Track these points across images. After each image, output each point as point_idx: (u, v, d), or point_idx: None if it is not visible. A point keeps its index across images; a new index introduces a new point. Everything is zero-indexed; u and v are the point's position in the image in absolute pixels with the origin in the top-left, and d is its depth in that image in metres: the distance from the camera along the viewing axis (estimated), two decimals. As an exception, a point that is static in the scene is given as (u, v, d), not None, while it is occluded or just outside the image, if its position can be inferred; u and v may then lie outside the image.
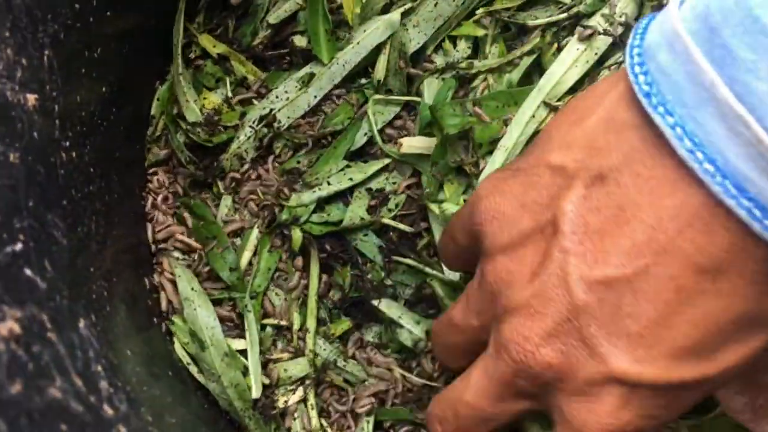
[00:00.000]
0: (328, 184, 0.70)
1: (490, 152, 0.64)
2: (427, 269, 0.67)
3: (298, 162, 0.71)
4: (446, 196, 0.66)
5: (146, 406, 0.50)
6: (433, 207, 0.65)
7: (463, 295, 0.52)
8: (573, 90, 0.64)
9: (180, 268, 0.69)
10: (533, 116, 0.63)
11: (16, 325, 0.34)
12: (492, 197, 0.46)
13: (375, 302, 0.68)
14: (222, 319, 0.69)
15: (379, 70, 0.70)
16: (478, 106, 0.64)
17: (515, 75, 0.66)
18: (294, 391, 0.69)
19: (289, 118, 0.71)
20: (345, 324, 0.70)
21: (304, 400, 0.69)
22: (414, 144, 0.67)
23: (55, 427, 0.33)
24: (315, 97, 0.71)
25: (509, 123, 0.64)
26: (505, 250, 0.45)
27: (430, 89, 0.68)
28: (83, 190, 0.54)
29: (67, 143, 0.52)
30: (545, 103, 0.63)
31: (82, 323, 0.45)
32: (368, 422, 0.67)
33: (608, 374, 0.40)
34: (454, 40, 0.70)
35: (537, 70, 0.67)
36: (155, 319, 0.68)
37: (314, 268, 0.70)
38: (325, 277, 0.71)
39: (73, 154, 0.53)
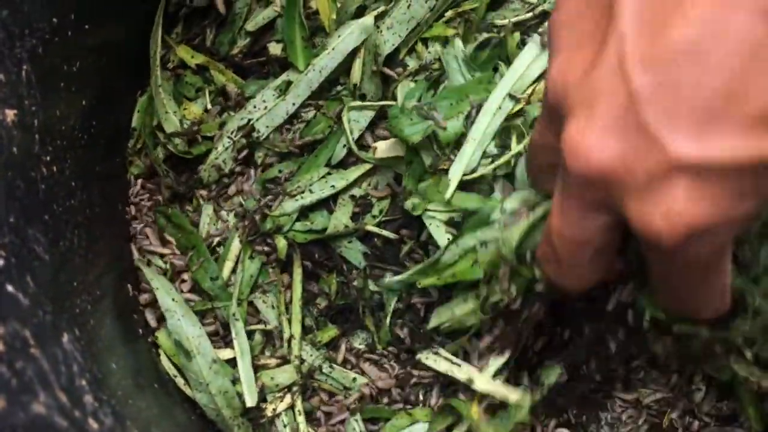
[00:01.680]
0: (311, 192, 0.70)
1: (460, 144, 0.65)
2: (410, 278, 0.67)
3: (280, 171, 0.71)
4: (426, 194, 0.66)
5: (132, 420, 0.50)
6: (410, 203, 0.65)
7: (541, 113, 0.50)
8: (537, 81, 0.65)
9: (157, 279, 0.69)
10: (500, 108, 0.64)
11: (-1, 341, 0.34)
12: (561, 9, 0.45)
13: (419, 355, 0.66)
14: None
15: (355, 74, 0.70)
16: (433, 110, 0.65)
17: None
18: (282, 398, 0.69)
19: (267, 127, 0.71)
20: (332, 331, 0.70)
21: (291, 407, 0.69)
22: (387, 148, 0.67)
23: (39, 443, 0.33)
24: (293, 104, 0.71)
25: (471, 114, 0.65)
26: (567, 49, 0.43)
27: (404, 92, 0.68)
28: (65, 204, 0.54)
29: (48, 158, 0.52)
30: (510, 96, 0.64)
31: (65, 338, 0.45)
32: (357, 421, 0.67)
33: (670, 162, 0.37)
34: (426, 42, 0.70)
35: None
36: (140, 331, 0.68)
37: (297, 274, 0.70)
38: (311, 284, 0.71)
39: (54, 169, 0.53)
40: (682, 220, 0.38)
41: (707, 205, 0.37)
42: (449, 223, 0.66)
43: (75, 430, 0.38)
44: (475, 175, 0.65)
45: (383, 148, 0.67)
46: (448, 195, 0.64)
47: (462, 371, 0.64)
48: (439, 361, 0.65)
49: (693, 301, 0.48)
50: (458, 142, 0.65)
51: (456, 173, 0.65)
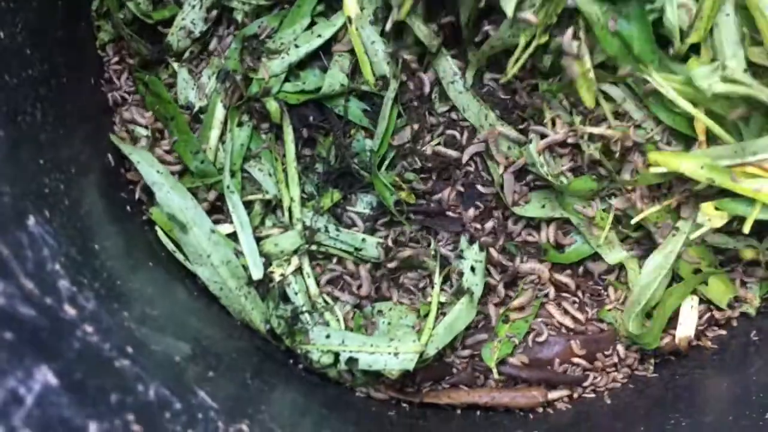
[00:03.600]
0: (296, 47, 0.63)
1: None
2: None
3: (259, 27, 0.64)
4: None
5: (121, 302, 0.47)
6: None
7: None
8: None
9: (137, 153, 0.64)
10: None
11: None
12: None
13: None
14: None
15: None
16: None
17: None
18: (289, 261, 0.66)
19: None
20: (334, 195, 0.66)
21: (299, 270, 0.66)
22: None
23: (-6, 337, 0.30)
24: None
25: None
26: None
27: None
28: (20, 75, 0.48)
29: (-10, 23, 0.46)
30: None
31: (31, 221, 0.41)
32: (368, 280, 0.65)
33: None
34: None
35: None
36: (129, 208, 0.64)
37: (288, 134, 0.65)
38: (309, 150, 0.67)
39: (1, 35, 0.47)
40: None
41: None
42: None
43: (46, 318, 0.35)
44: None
45: None
46: None
47: None
48: None
49: None
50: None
51: None
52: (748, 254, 0.62)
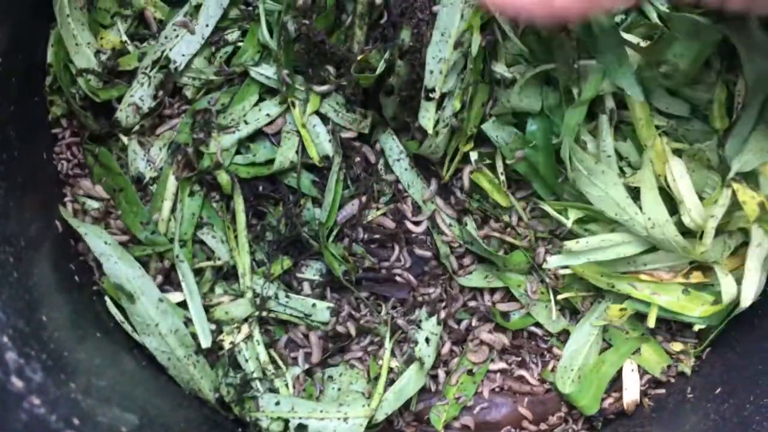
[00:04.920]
0: (246, 123, 0.66)
1: None
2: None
3: (209, 103, 0.67)
4: None
5: (67, 373, 0.47)
6: None
7: None
8: None
9: (84, 225, 0.65)
10: None
11: None
12: None
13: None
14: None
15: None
16: None
17: None
18: (239, 329, 0.66)
19: (184, 56, 0.66)
20: (284, 262, 0.68)
21: (250, 337, 0.66)
22: None
23: (-60, 412, 0.30)
24: (207, 26, 0.65)
25: None
26: None
27: None
28: (-28, 151, 0.50)
29: (-55, 100, 0.47)
30: None
31: (-21, 294, 0.41)
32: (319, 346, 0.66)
33: None
34: None
35: None
36: (78, 279, 0.64)
37: (239, 204, 0.67)
38: (259, 220, 0.68)
39: (-46, 112, 0.48)
40: None
41: None
42: None
43: (-7, 392, 0.36)
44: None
45: None
46: None
47: None
48: None
49: None
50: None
51: None
52: (677, 347, 0.68)
